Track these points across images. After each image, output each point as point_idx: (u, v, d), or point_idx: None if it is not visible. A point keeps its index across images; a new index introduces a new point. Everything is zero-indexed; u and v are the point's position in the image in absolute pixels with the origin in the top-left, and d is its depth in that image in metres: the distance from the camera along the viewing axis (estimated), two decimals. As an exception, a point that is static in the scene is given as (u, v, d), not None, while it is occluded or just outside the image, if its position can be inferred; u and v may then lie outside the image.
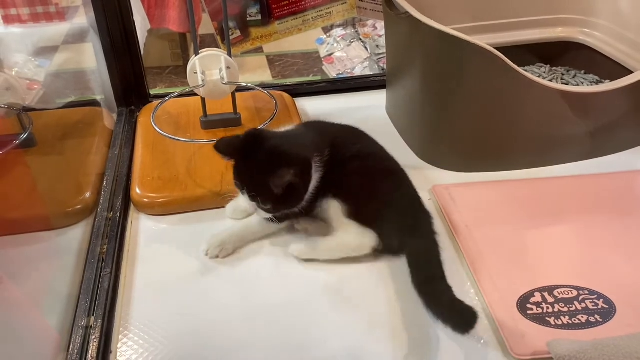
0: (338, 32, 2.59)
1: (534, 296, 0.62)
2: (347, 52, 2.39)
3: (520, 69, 0.73)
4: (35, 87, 1.16)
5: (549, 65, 1.03)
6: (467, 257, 0.67)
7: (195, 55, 0.81)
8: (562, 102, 0.77)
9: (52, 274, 0.71)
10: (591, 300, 0.61)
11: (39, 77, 1.23)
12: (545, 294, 0.62)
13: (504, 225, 0.73)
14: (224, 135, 0.79)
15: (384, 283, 0.66)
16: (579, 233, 0.72)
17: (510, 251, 0.69)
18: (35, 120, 0.89)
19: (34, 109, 1.01)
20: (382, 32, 2.51)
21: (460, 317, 0.57)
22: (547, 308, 0.61)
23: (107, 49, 0.94)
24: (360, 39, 2.45)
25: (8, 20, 1.23)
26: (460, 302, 0.58)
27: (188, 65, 0.81)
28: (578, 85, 0.98)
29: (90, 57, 1.17)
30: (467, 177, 0.82)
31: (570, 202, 0.77)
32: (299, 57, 2.91)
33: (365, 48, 2.42)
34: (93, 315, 0.61)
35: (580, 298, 0.62)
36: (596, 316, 0.60)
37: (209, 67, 0.81)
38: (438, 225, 0.73)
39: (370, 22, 2.56)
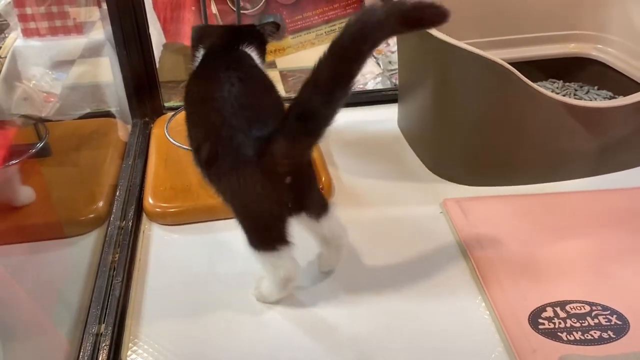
0: (351, 48, 2.61)
1: (546, 311, 0.61)
2: (360, 67, 2.40)
3: (533, 84, 0.73)
4: (52, 99, 1.18)
5: (561, 81, 1.03)
6: (478, 271, 0.67)
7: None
8: (574, 117, 0.77)
9: (64, 281, 0.72)
10: (604, 316, 0.61)
11: (55, 89, 1.25)
12: (557, 309, 0.62)
13: (516, 239, 0.72)
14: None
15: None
16: (590, 248, 0.71)
17: (521, 265, 0.68)
18: (51, 131, 0.91)
19: (49, 120, 1.03)
20: (395, 48, 2.53)
21: None
22: (559, 323, 0.60)
23: (123, 62, 0.95)
24: (373, 55, 2.46)
25: (27, 33, 1.25)
26: None
27: None
28: (591, 100, 0.97)
29: (106, 71, 1.19)
30: (478, 191, 0.82)
31: (581, 217, 0.76)
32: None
33: (378, 64, 2.44)
34: (104, 322, 0.61)
35: (593, 314, 0.61)
36: (609, 332, 0.59)
37: None
38: (449, 239, 0.73)
39: (382, 38, 2.58)
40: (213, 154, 0.56)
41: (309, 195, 0.60)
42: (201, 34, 0.69)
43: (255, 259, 0.60)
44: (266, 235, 0.59)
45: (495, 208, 0.78)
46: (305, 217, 0.60)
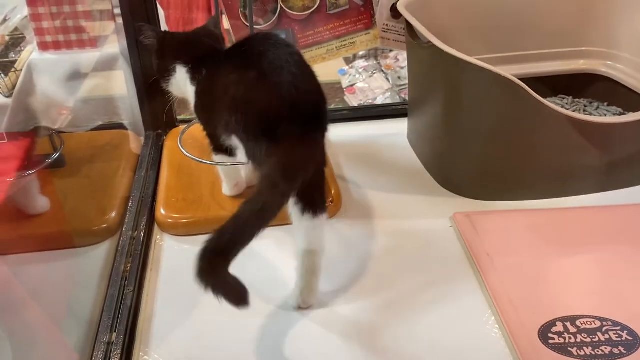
0: (360, 63, 2.63)
1: (556, 325, 0.61)
2: (369, 83, 2.42)
3: (543, 99, 0.74)
4: (64, 112, 1.20)
5: (571, 97, 1.03)
6: (487, 285, 0.67)
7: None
8: (584, 132, 0.77)
9: (76, 290, 0.73)
10: (615, 332, 0.60)
11: (69, 102, 1.27)
12: (568, 324, 0.61)
13: (525, 254, 0.72)
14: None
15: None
16: (601, 264, 0.71)
17: (531, 280, 0.68)
18: (65, 142, 0.92)
19: (63, 132, 1.04)
20: (404, 64, 2.54)
21: None
22: (570, 338, 0.60)
23: (138, 76, 0.97)
24: (382, 71, 2.48)
25: (43, 47, 1.27)
26: None
27: None
28: (601, 117, 0.98)
29: (119, 84, 1.21)
30: (488, 205, 0.82)
31: (591, 232, 0.76)
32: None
33: (387, 79, 2.45)
34: (115, 331, 0.62)
35: (604, 329, 0.61)
36: (620, 348, 0.59)
37: None
38: (458, 253, 0.73)
39: (392, 54, 2.60)
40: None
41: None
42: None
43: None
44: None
45: (505, 222, 0.78)
46: (304, 207, 0.62)
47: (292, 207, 0.62)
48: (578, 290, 0.67)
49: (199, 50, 0.71)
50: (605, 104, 1.01)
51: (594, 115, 0.98)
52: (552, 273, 0.70)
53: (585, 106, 1.01)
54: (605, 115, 0.98)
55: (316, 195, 0.63)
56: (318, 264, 0.64)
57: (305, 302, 0.65)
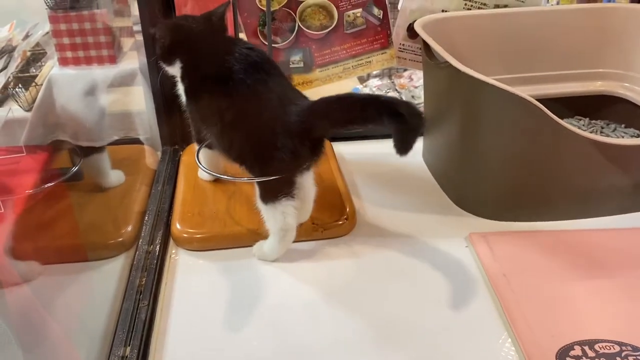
0: (374, 82, 2.64)
1: (574, 349, 0.60)
2: (383, 101, 2.43)
3: (559, 120, 0.74)
4: (84, 126, 1.21)
5: (587, 118, 1.03)
6: (504, 307, 0.66)
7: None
8: (601, 154, 0.77)
9: (91, 303, 0.73)
10: (634, 357, 0.59)
11: (87, 116, 1.29)
12: (586, 348, 0.60)
13: (542, 275, 0.72)
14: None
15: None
16: (620, 287, 0.70)
17: (548, 302, 0.67)
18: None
19: (81, 146, 1.05)
20: (418, 83, 2.55)
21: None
22: (588, 362, 0.59)
23: (156, 92, 0.98)
24: (396, 90, 2.49)
25: (63, 62, 1.29)
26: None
27: None
28: (619, 138, 0.97)
29: (137, 99, 1.22)
30: (504, 225, 0.82)
31: (611, 255, 0.75)
32: (335, 106, 2.96)
33: (401, 98, 2.46)
34: (129, 345, 0.62)
35: (623, 354, 0.60)
36: (640, 373, 0.58)
37: None
38: (474, 273, 0.73)
39: (406, 74, 2.61)
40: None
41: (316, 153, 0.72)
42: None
43: (264, 212, 0.73)
44: (279, 188, 0.71)
45: (522, 243, 0.77)
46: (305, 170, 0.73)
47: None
48: (597, 313, 0.66)
49: (195, 51, 0.74)
50: (623, 125, 1.00)
51: (611, 137, 0.97)
52: (571, 295, 0.69)
53: (602, 128, 1.00)
54: (623, 137, 0.98)
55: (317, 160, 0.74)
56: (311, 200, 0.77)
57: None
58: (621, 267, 0.73)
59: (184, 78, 0.75)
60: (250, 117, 0.69)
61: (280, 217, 0.71)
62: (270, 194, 0.71)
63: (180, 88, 0.77)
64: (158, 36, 0.75)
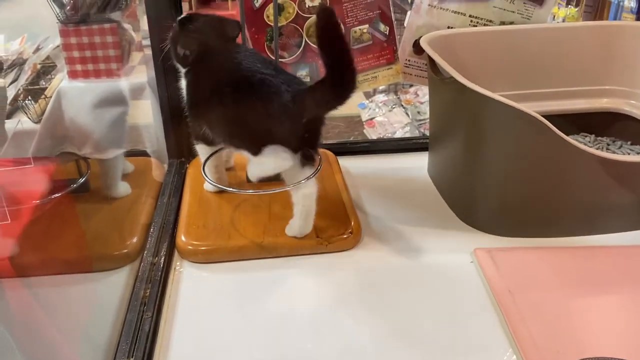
0: (380, 97, 2.66)
1: (580, 367, 0.60)
2: (389, 117, 2.44)
3: (565, 136, 0.74)
4: (91, 138, 1.22)
5: (593, 135, 1.03)
6: (509, 323, 0.66)
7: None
8: (607, 170, 0.77)
9: (95, 314, 0.73)
10: (641, 375, 0.59)
11: (95, 128, 1.30)
12: (592, 365, 0.60)
13: (548, 292, 0.71)
14: (268, 188, 0.82)
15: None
16: (626, 304, 0.70)
17: (554, 319, 0.67)
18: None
19: (88, 158, 1.06)
20: (424, 99, 2.57)
21: None
22: (594, 380, 0.58)
23: (164, 105, 0.99)
24: (402, 105, 2.50)
25: (72, 75, 1.31)
26: None
27: None
28: (625, 155, 0.97)
29: (144, 112, 1.23)
30: (510, 241, 0.81)
31: (617, 272, 0.75)
32: (341, 120, 2.98)
33: (407, 114, 2.47)
34: (132, 357, 0.62)
35: (630, 372, 0.59)
36: (647, 392, 0.57)
37: None
38: (479, 289, 0.72)
39: (412, 89, 2.62)
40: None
41: (312, 141, 0.76)
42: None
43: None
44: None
45: (528, 259, 0.77)
46: (299, 158, 0.74)
47: (294, 162, 0.74)
48: (603, 330, 0.65)
49: (202, 46, 0.78)
50: (629, 142, 1.00)
51: (617, 154, 0.97)
52: (576, 312, 0.68)
53: (608, 144, 1.00)
54: (629, 154, 0.97)
55: (314, 152, 0.77)
56: (313, 204, 0.78)
57: (302, 233, 0.78)
58: (627, 284, 0.73)
59: (189, 72, 0.79)
60: (251, 99, 0.73)
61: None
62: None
63: (183, 82, 0.81)
64: (181, 46, 0.79)
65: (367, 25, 0.99)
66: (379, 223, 0.86)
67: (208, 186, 0.89)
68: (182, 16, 0.80)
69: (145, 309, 0.68)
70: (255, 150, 0.74)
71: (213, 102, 0.75)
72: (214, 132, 0.79)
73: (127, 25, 1.09)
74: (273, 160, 0.74)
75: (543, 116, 0.73)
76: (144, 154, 1.10)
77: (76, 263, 0.79)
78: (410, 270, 0.76)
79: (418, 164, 1.01)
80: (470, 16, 0.98)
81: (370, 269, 0.77)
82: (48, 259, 0.79)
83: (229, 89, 0.73)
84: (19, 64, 1.35)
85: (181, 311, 0.70)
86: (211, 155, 0.86)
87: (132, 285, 0.73)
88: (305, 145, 0.74)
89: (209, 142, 0.83)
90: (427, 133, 1.01)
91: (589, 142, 1.01)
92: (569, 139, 0.74)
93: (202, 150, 0.85)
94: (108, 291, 0.76)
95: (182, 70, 0.81)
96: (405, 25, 1.00)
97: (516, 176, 0.80)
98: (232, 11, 3.44)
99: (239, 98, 0.72)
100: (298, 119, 0.71)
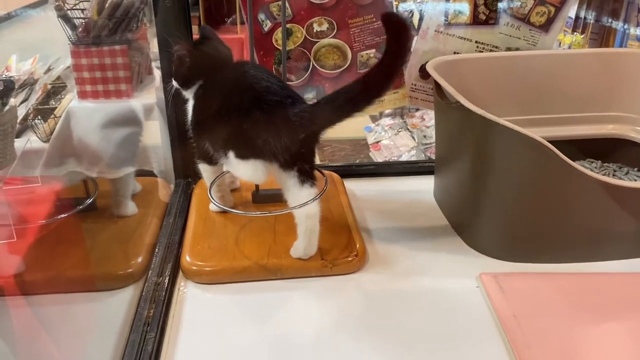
0: (386, 121, 2.67)
1: (587, 395, 0.59)
2: (395, 140, 2.44)
3: (571, 162, 0.74)
4: (99, 157, 1.23)
5: (600, 161, 1.03)
6: (514, 348, 0.65)
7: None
8: (614, 196, 0.76)
9: (99, 333, 0.73)
10: (650, 405, 0.58)
11: (103, 148, 1.31)
12: (600, 394, 0.59)
13: (554, 318, 0.70)
14: (274, 209, 0.82)
15: None
16: (631, 331, 0.69)
17: (559, 344, 0.66)
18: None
19: (95, 177, 1.07)
20: (430, 123, 2.57)
21: None
22: (602, 409, 0.57)
23: (172, 126, 1.00)
24: (408, 129, 2.51)
25: (82, 95, 1.32)
26: None
27: None
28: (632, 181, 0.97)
29: (152, 133, 1.24)
30: (516, 266, 0.81)
31: (623, 299, 0.74)
32: (347, 143, 2.99)
33: (413, 137, 2.48)
34: (134, 377, 0.61)
35: (638, 401, 0.58)
36: (656, 423, 0.56)
37: None
38: (484, 314, 0.72)
39: (418, 113, 2.63)
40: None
41: (307, 157, 0.76)
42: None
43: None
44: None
45: (534, 285, 0.76)
46: (296, 174, 0.75)
47: (293, 181, 0.75)
48: (608, 357, 0.65)
49: (211, 70, 0.79)
50: (636, 169, 1.00)
51: (624, 180, 0.97)
52: (581, 338, 0.67)
53: (614, 171, 1.00)
54: (636, 180, 0.97)
55: (310, 169, 0.77)
56: (316, 224, 0.78)
57: (307, 254, 0.78)
58: (632, 311, 0.72)
59: (197, 91, 0.80)
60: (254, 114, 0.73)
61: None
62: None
63: (190, 102, 0.81)
64: (187, 72, 0.79)
65: (374, 50, 1.00)
66: (384, 246, 0.86)
67: (213, 207, 0.89)
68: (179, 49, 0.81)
69: (148, 329, 0.68)
70: (242, 154, 0.74)
71: (219, 108, 0.76)
72: (213, 140, 0.79)
73: (140, 45, 1.10)
74: (251, 171, 0.74)
75: (549, 142, 0.74)
76: (150, 174, 1.11)
77: (80, 282, 0.79)
78: (415, 294, 0.76)
79: (424, 187, 1.01)
80: (476, 42, 0.99)
81: (375, 292, 0.76)
82: (52, 277, 0.79)
83: (237, 94, 0.74)
84: (30, 83, 1.37)
85: (184, 332, 0.69)
86: (217, 177, 0.86)
87: (136, 305, 0.72)
88: (301, 160, 0.75)
89: (210, 161, 0.84)
90: (433, 157, 1.01)
91: (596, 168, 1.01)
92: (575, 164, 0.74)
93: (204, 169, 0.86)
94: (112, 310, 0.76)
95: (190, 91, 0.81)
96: (411, 50, 1.01)
97: (522, 201, 0.80)
98: (241, 35, 3.50)
99: (245, 103, 0.73)
100: (300, 130, 0.71)
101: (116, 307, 0.75)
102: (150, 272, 0.78)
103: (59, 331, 0.73)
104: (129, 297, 0.76)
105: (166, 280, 0.76)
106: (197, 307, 0.73)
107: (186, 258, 0.79)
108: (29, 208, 0.89)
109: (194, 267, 0.78)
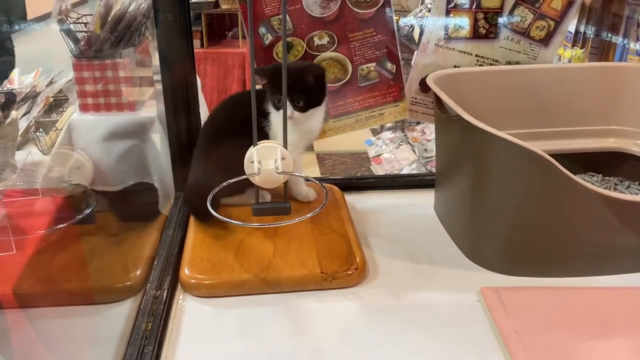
0: (387, 134, 2.68)
1: (590, 412, 0.58)
2: (395, 154, 2.45)
3: (572, 175, 0.73)
4: (100, 169, 1.23)
5: (601, 175, 1.03)
6: (516, 364, 0.64)
7: (254, 146, 0.85)
8: (615, 210, 0.76)
9: (96, 347, 0.72)
10: (654, 422, 0.57)
11: (104, 161, 1.32)
12: (603, 411, 0.58)
13: (556, 332, 0.70)
14: (274, 222, 0.82)
15: None
16: (633, 347, 0.68)
17: (561, 359, 0.65)
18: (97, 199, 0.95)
19: (95, 189, 1.07)
20: (430, 136, 2.58)
21: None
22: None
23: (173, 139, 1.00)
24: (409, 143, 2.51)
25: (84, 108, 1.33)
26: None
27: (246, 155, 0.86)
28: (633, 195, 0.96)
29: (153, 146, 1.24)
30: (517, 281, 0.80)
31: (626, 314, 0.73)
32: (348, 157, 2.99)
33: (414, 151, 2.48)
34: (131, 392, 0.61)
35: (642, 419, 0.57)
36: None
37: (265, 157, 0.85)
38: (486, 329, 0.71)
39: (419, 127, 2.64)
40: None
41: None
42: None
43: None
44: None
45: (535, 299, 0.76)
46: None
47: None
48: (613, 374, 0.64)
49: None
50: (637, 183, 1.00)
51: (625, 194, 0.97)
52: (583, 353, 0.67)
53: (615, 184, 1.00)
54: (637, 194, 0.97)
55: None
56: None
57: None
58: (635, 326, 0.71)
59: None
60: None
61: None
62: None
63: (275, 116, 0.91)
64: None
65: (374, 64, 1.00)
66: (384, 260, 0.85)
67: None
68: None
69: (146, 343, 0.67)
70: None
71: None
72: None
73: (142, 59, 1.11)
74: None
75: (551, 155, 0.73)
76: (151, 187, 1.11)
77: (79, 295, 0.78)
78: (415, 308, 0.75)
79: (424, 200, 1.01)
80: (476, 56, 0.99)
81: (375, 306, 0.76)
82: (51, 290, 0.79)
83: None
84: (32, 96, 1.38)
85: (183, 345, 0.68)
86: (216, 189, 0.86)
87: (134, 318, 0.72)
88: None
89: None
90: (434, 170, 1.01)
91: (596, 181, 1.01)
92: (576, 178, 0.73)
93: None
94: (110, 324, 0.76)
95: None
96: (412, 64, 1.02)
97: (523, 215, 0.79)
98: (243, 49, 3.52)
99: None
100: None
101: (114, 320, 0.75)
102: (148, 285, 0.77)
103: (56, 344, 0.73)
104: (127, 310, 0.75)
105: (165, 294, 0.76)
106: (195, 321, 0.73)
107: (185, 271, 0.78)
108: (28, 220, 0.89)
109: (193, 280, 0.77)
